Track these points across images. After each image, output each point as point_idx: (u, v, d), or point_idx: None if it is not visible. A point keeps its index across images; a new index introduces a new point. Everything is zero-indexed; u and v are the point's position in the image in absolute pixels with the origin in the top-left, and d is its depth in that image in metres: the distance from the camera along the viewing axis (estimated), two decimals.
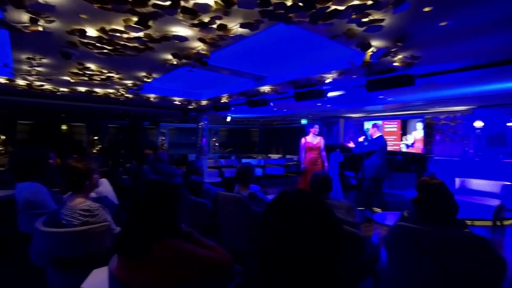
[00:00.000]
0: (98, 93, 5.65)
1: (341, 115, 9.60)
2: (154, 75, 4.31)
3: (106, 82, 4.70)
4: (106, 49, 2.96)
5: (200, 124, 8.91)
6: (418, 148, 7.93)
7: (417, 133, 8.01)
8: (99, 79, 4.43)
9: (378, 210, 4.95)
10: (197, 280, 1.18)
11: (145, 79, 4.51)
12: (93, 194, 2.40)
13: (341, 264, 0.74)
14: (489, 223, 4.63)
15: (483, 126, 6.68)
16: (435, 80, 4.03)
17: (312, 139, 5.30)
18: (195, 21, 2.32)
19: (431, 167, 7.47)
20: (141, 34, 2.59)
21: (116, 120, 11.67)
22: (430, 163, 7.54)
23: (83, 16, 2.29)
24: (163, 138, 12.50)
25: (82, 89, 5.33)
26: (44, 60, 3.60)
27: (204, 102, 6.89)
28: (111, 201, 2.65)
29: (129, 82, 4.80)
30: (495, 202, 4.60)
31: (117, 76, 4.33)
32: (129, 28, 2.42)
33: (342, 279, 0.76)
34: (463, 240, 1.60)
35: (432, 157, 7.64)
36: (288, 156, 11.88)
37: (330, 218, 0.75)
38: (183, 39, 2.71)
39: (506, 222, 4.99)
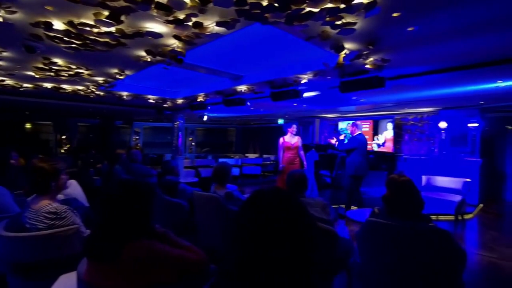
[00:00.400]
0: (66, 89, 5.36)
1: (317, 115, 9.82)
2: (127, 72, 4.17)
3: (75, 79, 4.47)
4: (74, 43, 2.82)
5: (175, 123, 8.73)
6: (389, 147, 8.29)
7: (388, 133, 8.38)
8: (66, 75, 4.20)
9: (353, 207, 5.11)
10: (172, 281, 1.16)
11: (118, 76, 4.35)
12: (60, 196, 2.29)
13: (315, 260, 0.76)
14: (452, 217, 4.95)
15: (447, 126, 7.12)
16: (404, 82, 4.24)
17: (290, 138, 5.39)
18: (170, 18, 2.28)
19: (400, 166, 7.86)
20: (112, 29, 2.50)
21: (86, 119, 11.14)
22: (400, 162, 7.92)
23: (48, 8, 2.16)
24: (137, 137, 12.11)
25: (48, 85, 5.03)
26: (5, 54, 3.36)
27: (179, 101, 6.76)
28: (81, 203, 2.53)
29: (100, 79, 4.60)
30: (457, 198, 4.92)
31: (86, 72, 4.13)
32: (99, 22, 2.32)
33: (316, 274, 0.77)
34: (428, 233, 1.70)
35: (401, 156, 8.03)
36: (265, 156, 11.95)
37: (304, 215, 0.76)
38: (158, 35, 2.64)
39: (467, 216, 5.36)
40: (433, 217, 4.97)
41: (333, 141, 5.61)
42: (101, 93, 5.70)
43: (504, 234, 4.76)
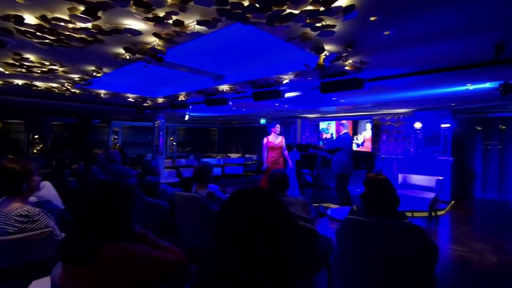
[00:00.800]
0: (39, 87, 5.12)
1: (298, 116, 9.94)
2: (105, 70, 4.04)
3: (49, 75, 4.28)
4: (48, 39, 2.70)
5: (156, 122, 8.55)
6: (367, 147, 8.54)
7: (366, 133, 8.62)
8: (39, 71, 4.01)
9: (331, 205, 5.21)
10: (152, 282, 1.15)
11: (95, 74, 4.20)
12: (33, 199, 2.19)
13: (295, 257, 0.77)
14: (426, 213, 5.17)
15: (421, 127, 7.43)
16: (381, 84, 4.38)
17: (274, 138, 5.43)
18: (150, 15, 2.23)
19: (378, 165, 8.11)
20: (89, 25, 2.41)
21: (61, 117, 10.68)
22: (377, 161, 8.17)
23: (19, 0, 2.06)
24: (116, 137, 11.76)
25: (19, 82, 4.79)
26: None
27: (160, 100, 6.63)
28: (55, 206, 2.44)
29: (75, 76, 4.43)
30: (431, 195, 5.14)
31: (61, 69, 3.97)
32: (75, 17, 2.23)
33: (297, 272, 0.78)
34: (403, 230, 1.77)
35: (379, 155, 8.29)
36: (247, 155, 11.96)
37: (285, 214, 0.78)
38: (137, 33, 2.58)
39: (440, 213, 5.62)
40: (409, 214, 5.17)
41: (328, 136, 5.62)
42: (77, 91, 5.49)
43: (473, 229, 5.03)
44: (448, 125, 7.00)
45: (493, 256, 3.64)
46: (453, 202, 6.65)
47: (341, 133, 5.20)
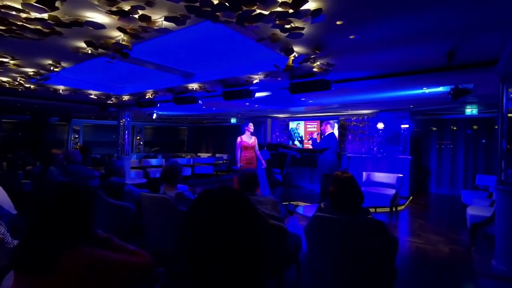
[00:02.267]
0: None
1: (268, 115, 10.05)
2: (64, 64, 3.77)
3: None
4: None
5: (121, 121, 8.17)
6: None
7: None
8: None
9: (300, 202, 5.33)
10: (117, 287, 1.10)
11: (52, 68, 3.91)
12: None
13: (264, 255, 0.78)
14: (387, 209, 5.49)
15: (383, 127, 7.86)
16: (347, 86, 4.57)
17: (248, 138, 5.44)
18: (114, 8, 2.13)
19: (344, 163, 8.45)
20: (45, 15, 2.24)
21: (13, 115, 9.81)
22: (344, 160, 8.51)
23: None
24: (77, 136, 11.05)
25: None
26: None
27: (126, 97, 6.34)
28: (6, 211, 2.25)
29: (30, 70, 4.08)
30: (392, 192, 5.47)
31: (13, 62, 3.63)
32: (28, 6, 2.06)
33: (268, 269, 0.79)
34: (366, 225, 1.87)
35: (345, 154, 8.64)
36: (217, 155, 11.86)
37: (252, 212, 0.78)
38: (99, 26, 2.44)
39: (400, 208, 5.99)
40: (372, 210, 5.45)
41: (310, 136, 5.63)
42: (32, 86, 5.07)
43: (429, 222, 5.43)
44: (407, 125, 7.49)
45: (446, 247, 3.97)
46: (411, 197, 7.12)
47: (326, 133, 5.23)
